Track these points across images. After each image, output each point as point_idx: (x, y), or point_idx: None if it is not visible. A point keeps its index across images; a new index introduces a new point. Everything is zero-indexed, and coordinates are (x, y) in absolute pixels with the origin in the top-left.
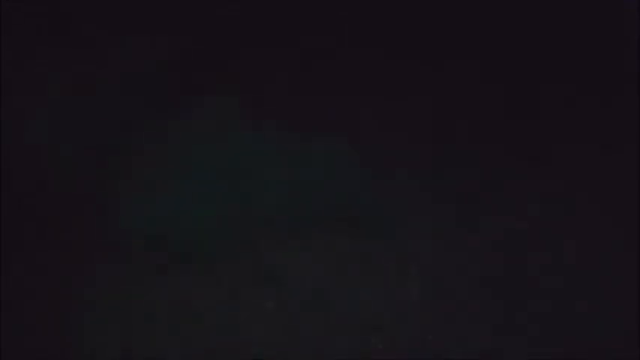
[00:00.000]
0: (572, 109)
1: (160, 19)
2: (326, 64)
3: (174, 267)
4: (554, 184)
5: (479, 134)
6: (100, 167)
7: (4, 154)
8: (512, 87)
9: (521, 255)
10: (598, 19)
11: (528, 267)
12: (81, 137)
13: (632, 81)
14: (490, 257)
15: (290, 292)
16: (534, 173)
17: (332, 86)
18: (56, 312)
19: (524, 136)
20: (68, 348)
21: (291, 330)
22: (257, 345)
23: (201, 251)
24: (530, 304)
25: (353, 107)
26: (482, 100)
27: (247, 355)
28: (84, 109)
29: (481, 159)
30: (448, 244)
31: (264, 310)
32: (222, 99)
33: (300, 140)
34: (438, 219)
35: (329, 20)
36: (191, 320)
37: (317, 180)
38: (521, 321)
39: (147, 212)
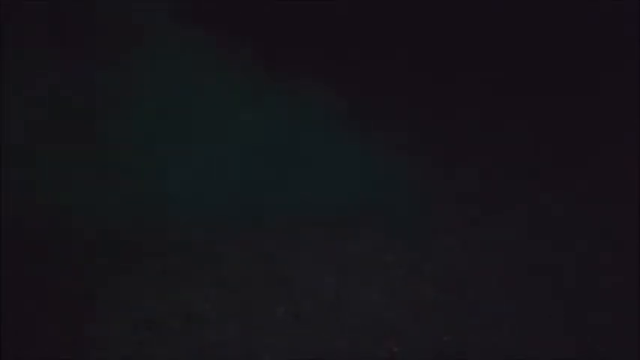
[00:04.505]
0: (592, 110)
1: None
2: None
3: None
4: (575, 181)
5: (492, 131)
6: None
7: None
8: (528, 87)
9: (539, 254)
10: (598, 21)
11: (545, 266)
12: None
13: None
14: (507, 256)
15: (302, 294)
16: (554, 171)
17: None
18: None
19: (546, 134)
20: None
21: (305, 333)
22: (270, 349)
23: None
24: (548, 304)
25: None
26: (499, 100)
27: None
28: None
29: (496, 158)
30: (463, 243)
31: (275, 314)
32: None
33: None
34: (453, 218)
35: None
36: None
37: (332, 181)
38: (538, 321)
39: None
